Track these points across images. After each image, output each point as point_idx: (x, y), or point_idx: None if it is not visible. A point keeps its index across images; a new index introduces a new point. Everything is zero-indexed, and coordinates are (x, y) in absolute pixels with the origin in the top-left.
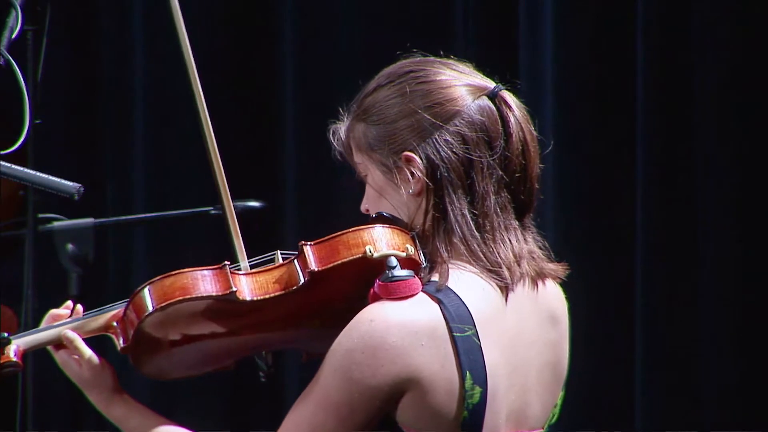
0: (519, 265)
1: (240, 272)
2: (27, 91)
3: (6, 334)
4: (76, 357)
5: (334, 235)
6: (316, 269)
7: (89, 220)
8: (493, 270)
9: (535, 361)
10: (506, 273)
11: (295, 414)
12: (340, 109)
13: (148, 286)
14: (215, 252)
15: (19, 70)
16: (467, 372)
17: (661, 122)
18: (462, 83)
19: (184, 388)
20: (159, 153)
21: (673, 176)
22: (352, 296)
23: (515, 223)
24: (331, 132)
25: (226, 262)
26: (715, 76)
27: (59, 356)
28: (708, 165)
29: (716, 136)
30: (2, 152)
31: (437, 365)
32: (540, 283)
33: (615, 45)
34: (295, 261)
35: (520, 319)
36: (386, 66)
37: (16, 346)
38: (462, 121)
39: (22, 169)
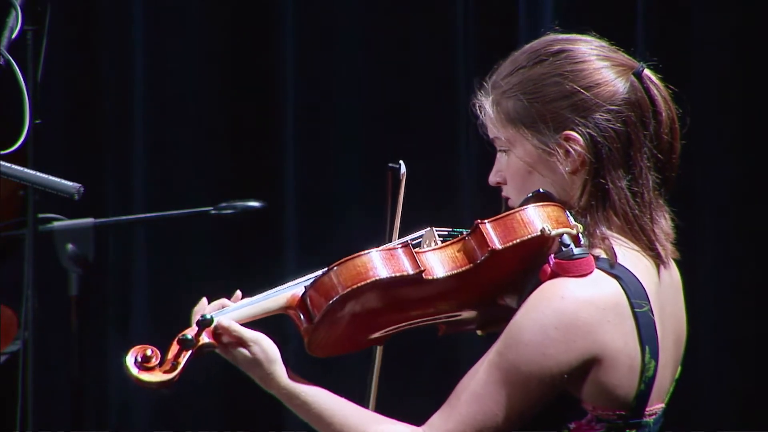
0: (667, 242)
1: (422, 250)
2: (27, 91)
3: (209, 315)
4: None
5: (506, 213)
6: (499, 247)
7: (89, 220)
8: (652, 248)
9: (670, 334)
10: (662, 251)
11: (474, 385)
12: (484, 82)
13: (335, 268)
14: (215, 252)
15: (19, 70)
16: (646, 347)
17: None
18: (613, 63)
19: (184, 388)
20: (159, 153)
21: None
22: (512, 273)
23: (661, 201)
24: (477, 106)
25: (408, 240)
26: (715, 69)
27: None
28: (708, 162)
29: (716, 135)
30: (2, 152)
31: (621, 342)
32: (671, 259)
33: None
34: (470, 239)
35: (662, 293)
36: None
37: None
38: (620, 101)
39: (22, 169)
